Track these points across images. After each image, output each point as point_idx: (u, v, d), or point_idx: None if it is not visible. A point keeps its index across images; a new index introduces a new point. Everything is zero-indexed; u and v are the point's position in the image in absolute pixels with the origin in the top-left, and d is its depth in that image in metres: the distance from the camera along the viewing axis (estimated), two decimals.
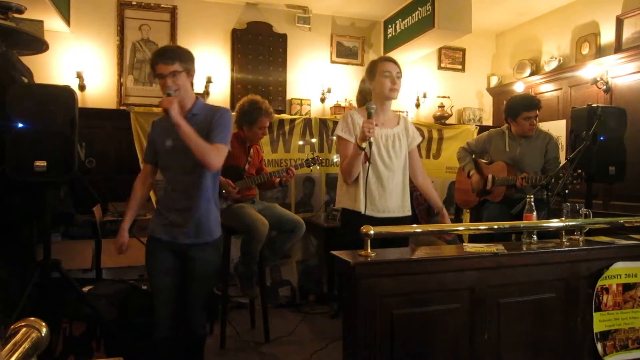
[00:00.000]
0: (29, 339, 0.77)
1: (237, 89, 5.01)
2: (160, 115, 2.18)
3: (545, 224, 2.11)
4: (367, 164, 2.27)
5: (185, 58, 2.11)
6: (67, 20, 4.50)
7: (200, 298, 2.25)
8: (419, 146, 4.68)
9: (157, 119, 2.30)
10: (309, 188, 4.50)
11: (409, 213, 2.50)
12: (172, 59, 2.05)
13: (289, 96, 5.30)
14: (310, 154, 4.35)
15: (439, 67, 5.98)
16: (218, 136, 2.11)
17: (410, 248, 2.33)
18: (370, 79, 2.47)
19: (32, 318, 0.81)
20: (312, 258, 4.42)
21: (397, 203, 2.44)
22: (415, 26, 4.91)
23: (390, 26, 5.45)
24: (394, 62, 2.45)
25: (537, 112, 3.34)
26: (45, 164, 2.38)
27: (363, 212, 2.33)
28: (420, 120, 5.36)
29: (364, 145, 2.17)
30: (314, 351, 3.07)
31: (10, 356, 0.72)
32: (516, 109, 3.35)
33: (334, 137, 4.45)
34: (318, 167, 4.13)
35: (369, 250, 1.74)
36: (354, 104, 5.32)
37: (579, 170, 2.70)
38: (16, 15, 2.72)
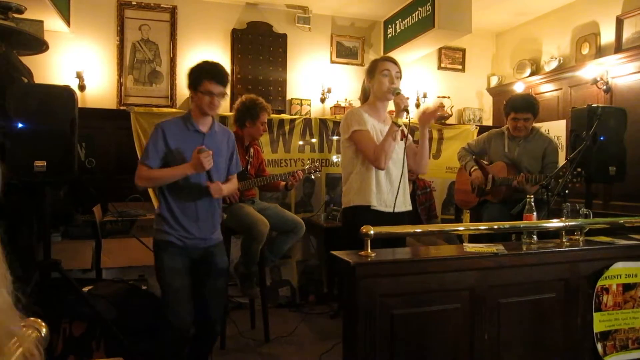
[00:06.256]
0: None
1: (237, 89, 5.00)
2: (162, 116, 2.22)
3: (545, 224, 2.11)
4: (405, 140, 2.33)
5: (228, 82, 2.26)
6: (67, 20, 4.49)
7: (222, 294, 2.53)
8: None
9: (167, 123, 2.31)
10: (309, 188, 4.51)
11: (410, 208, 2.55)
12: (223, 83, 2.21)
13: (289, 96, 5.30)
14: (310, 154, 4.35)
15: (439, 67, 5.97)
16: (235, 166, 2.49)
17: (410, 248, 2.34)
18: (369, 78, 2.48)
19: (32, 318, 0.81)
20: (312, 258, 4.42)
21: (401, 198, 2.46)
22: (415, 26, 4.91)
23: (390, 26, 5.45)
24: (394, 61, 2.47)
25: (528, 115, 3.29)
26: (45, 164, 2.37)
27: (376, 205, 2.35)
28: None
29: (400, 121, 2.20)
30: (320, 353, 3.03)
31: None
32: (507, 108, 3.40)
33: (335, 138, 4.47)
34: (319, 175, 4.12)
35: (369, 250, 1.74)
36: (355, 104, 5.36)
37: (579, 169, 2.70)
38: (16, 15, 2.71)
